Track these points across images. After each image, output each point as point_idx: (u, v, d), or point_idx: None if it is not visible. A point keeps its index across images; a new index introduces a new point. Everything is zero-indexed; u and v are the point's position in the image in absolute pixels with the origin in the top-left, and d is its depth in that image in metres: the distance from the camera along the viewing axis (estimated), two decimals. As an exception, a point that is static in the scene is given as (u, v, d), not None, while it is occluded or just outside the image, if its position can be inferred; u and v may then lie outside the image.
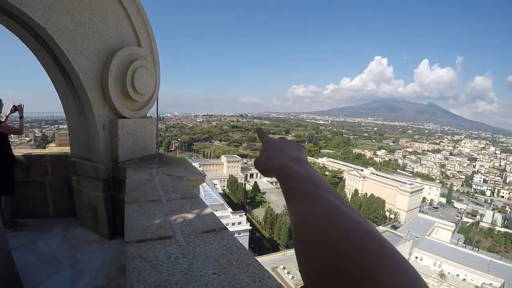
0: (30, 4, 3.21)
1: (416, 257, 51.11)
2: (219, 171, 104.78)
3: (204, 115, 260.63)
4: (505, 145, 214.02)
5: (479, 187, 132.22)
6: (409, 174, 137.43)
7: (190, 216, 2.44)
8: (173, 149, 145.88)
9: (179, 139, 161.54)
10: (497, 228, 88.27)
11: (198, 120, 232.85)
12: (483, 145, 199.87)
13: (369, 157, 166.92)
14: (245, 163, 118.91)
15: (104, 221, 4.59)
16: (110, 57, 4.18)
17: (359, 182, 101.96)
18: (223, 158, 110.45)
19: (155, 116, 5.61)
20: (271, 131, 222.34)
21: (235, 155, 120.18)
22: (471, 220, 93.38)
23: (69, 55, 3.68)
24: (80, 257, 4.14)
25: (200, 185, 4.35)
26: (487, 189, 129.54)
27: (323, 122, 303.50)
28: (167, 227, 2.17)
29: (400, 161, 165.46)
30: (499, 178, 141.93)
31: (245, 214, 58.07)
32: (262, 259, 41.59)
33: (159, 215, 2.41)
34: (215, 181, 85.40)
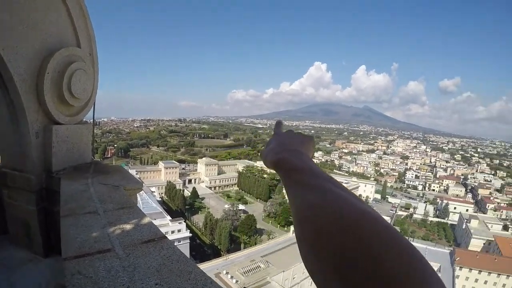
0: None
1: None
2: (157, 178, 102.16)
3: (141, 119, 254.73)
4: (435, 143, 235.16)
5: (411, 182, 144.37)
6: (345, 174, 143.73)
7: (128, 226, 2.35)
8: (109, 156, 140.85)
9: (115, 145, 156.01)
10: (430, 219, 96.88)
11: (135, 125, 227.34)
12: (415, 144, 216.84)
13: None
14: (183, 168, 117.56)
15: (38, 237, 4.22)
16: (47, 57, 3.86)
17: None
18: (161, 164, 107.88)
19: (91, 121, 5.31)
20: (209, 135, 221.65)
21: (173, 161, 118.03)
22: (405, 213, 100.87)
23: (5, 54, 3.34)
24: (14, 280, 3.78)
25: (137, 194, 4.19)
26: (419, 184, 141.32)
27: (262, 126, 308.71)
28: (105, 240, 2.06)
29: (336, 162, 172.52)
30: (430, 173, 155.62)
31: (185, 221, 57.11)
32: (204, 266, 41.11)
33: (96, 228, 2.28)
34: (153, 188, 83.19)
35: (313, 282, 0.43)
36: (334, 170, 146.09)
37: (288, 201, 0.67)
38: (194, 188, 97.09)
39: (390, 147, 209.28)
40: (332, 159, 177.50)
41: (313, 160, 0.83)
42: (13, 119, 3.94)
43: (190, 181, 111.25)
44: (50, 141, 4.08)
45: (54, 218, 4.07)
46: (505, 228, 79.14)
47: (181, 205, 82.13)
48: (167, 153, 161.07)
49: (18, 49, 3.51)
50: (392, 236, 0.43)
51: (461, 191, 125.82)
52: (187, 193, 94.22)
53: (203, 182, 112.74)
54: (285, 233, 67.63)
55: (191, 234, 55.88)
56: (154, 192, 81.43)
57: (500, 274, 50.67)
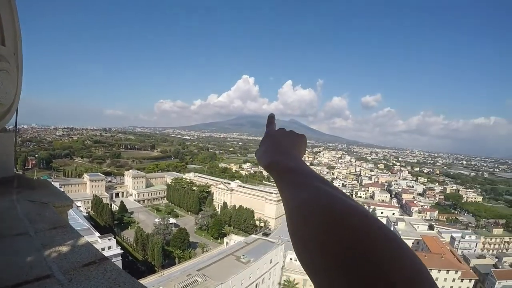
0: None
1: (291, 259, 53.83)
2: (82, 191, 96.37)
3: (64, 128, 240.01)
4: (359, 154, 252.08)
5: None
6: (274, 185, 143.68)
7: (65, 248, 2.17)
8: (30, 167, 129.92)
9: (36, 155, 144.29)
10: None
11: (58, 134, 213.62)
12: (340, 155, 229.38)
13: (235, 170, 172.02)
14: (109, 181, 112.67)
15: None
16: (-35, 53, 3.51)
17: (227, 195, 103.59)
18: (86, 177, 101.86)
19: (12, 128, 4.91)
20: (136, 146, 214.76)
21: (99, 173, 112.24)
22: None
23: None
24: None
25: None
26: (346, 192, 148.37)
27: (189, 138, 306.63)
28: (42, 265, 1.86)
29: (265, 173, 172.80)
30: (356, 182, 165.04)
31: (114, 237, 54.73)
32: (138, 283, 39.13)
33: (30, 251, 2.07)
34: (79, 203, 78.56)
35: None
36: (264, 182, 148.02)
37: (282, 201, 0.69)
38: (122, 202, 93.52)
39: (317, 158, 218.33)
40: (261, 170, 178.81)
41: (304, 160, 0.90)
42: None
43: (117, 194, 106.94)
44: (-33, 150, 3.73)
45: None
46: (431, 227, 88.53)
47: (109, 220, 78.54)
48: (92, 165, 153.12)
49: None
50: (380, 226, 0.46)
51: (386, 196, 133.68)
52: (115, 207, 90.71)
53: (131, 195, 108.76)
54: (219, 245, 67.22)
55: (122, 251, 53.57)
56: (80, 207, 77.57)
57: (431, 269, 54.71)
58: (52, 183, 5.32)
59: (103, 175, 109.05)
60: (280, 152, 0.90)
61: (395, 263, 0.41)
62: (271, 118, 1.21)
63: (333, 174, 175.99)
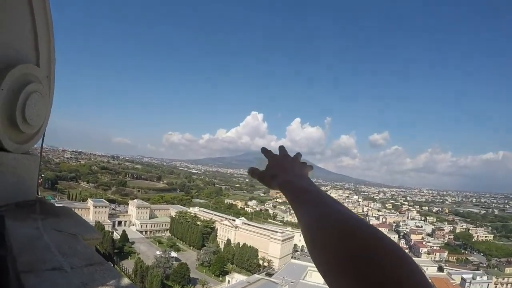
0: None
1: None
2: (85, 216, 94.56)
3: (73, 151, 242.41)
4: (367, 193, 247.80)
5: None
6: (280, 223, 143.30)
7: None
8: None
9: (42, 175, 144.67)
10: None
11: (65, 156, 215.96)
12: (347, 195, 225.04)
13: (241, 207, 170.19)
14: (113, 209, 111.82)
15: None
16: (3, 71, 3.19)
17: (231, 232, 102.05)
18: (90, 202, 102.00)
19: (38, 152, 4.55)
20: (142, 176, 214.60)
21: (103, 200, 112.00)
22: None
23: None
24: None
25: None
26: None
27: (196, 171, 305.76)
28: None
29: (270, 211, 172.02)
30: None
31: (114, 266, 53.07)
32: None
33: None
34: (79, 228, 77.59)
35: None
36: (269, 220, 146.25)
37: (297, 220, 0.77)
38: (124, 231, 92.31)
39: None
40: (267, 208, 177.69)
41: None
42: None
43: (120, 223, 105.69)
44: (-6, 170, 3.31)
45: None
46: (440, 269, 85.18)
47: (109, 248, 77.25)
48: (97, 191, 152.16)
49: (-25, 52, 2.86)
50: (383, 237, 0.54)
51: (394, 237, 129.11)
52: (116, 235, 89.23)
53: (133, 225, 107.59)
54: (220, 284, 65.45)
55: (119, 282, 51.89)
56: (80, 232, 75.98)
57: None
58: (55, 204, 4.89)
59: (107, 202, 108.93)
60: (293, 174, 1.01)
61: (400, 268, 0.48)
62: (264, 150, 1.33)
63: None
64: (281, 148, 1.30)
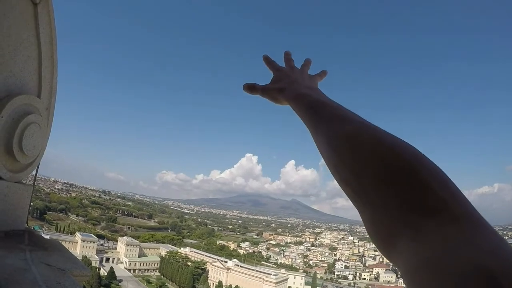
0: None
1: None
2: (72, 250, 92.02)
3: (64, 182, 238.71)
4: (362, 234, 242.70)
5: (341, 272, 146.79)
6: (273, 266, 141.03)
7: None
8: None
9: (31, 203, 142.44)
10: None
11: (57, 187, 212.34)
12: (342, 236, 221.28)
13: (233, 248, 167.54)
14: (101, 244, 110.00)
15: None
16: (5, 99, 3.19)
17: (223, 273, 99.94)
18: (78, 236, 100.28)
19: (31, 182, 4.50)
20: (133, 213, 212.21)
21: (92, 235, 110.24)
22: None
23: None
24: None
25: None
26: (349, 274, 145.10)
27: (188, 211, 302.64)
28: None
29: (264, 253, 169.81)
30: (359, 263, 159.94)
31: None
32: None
33: None
34: (65, 263, 75.98)
35: None
36: (262, 262, 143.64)
37: (315, 138, 0.73)
38: (111, 267, 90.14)
39: (318, 239, 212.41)
40: (260, 250, 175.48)
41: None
42: None
43: (108, 259, 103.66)
44: (-15, 196, 3.24)
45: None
46: None
47: (95, 285, 75.35)
48: (86, 225, 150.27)
49: (-22, 77, 2.86)
50: (425, 160, 0.52)
51: (392, 277, 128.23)
52: (103, 272, 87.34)
53: (122, 262, 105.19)
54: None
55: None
56: (66, 267, 74.34)
57: None
58: (42, 234, 4.81)
59: (95, 237, 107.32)
60: (305, 87, 0.91)
61: (442, 183, 0.47)
62: (267, 58, 1.14)
63: (335, 255, 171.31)
64: (287, 58, 1.12)
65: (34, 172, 4.22)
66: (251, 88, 1.04)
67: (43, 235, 4.61)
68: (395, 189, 0.48)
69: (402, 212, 0.45)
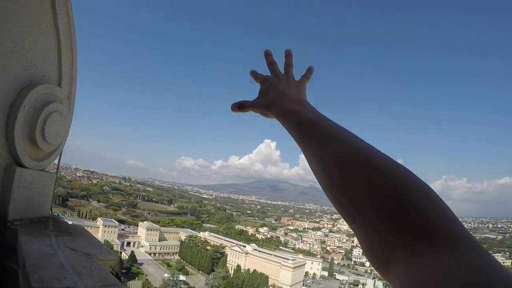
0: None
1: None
2: (94, 235, 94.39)
3: (85, 170, 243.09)
4: None
5: (358, 259, 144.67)
6: (291, 251, 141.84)
7: None
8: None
9: (54, 191, 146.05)
10: None
11: (78, 174, 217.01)
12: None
13: (252, 233, 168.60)
14: (122, 229, 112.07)
15: None
16: (26, 89, 3.27)
17: (241, 257, 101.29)
18: (100, 221, 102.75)
19: (54, 170, 4.62)
20: (153, 199, 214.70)
21: (113, 220, 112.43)
22: None
23: (-17, 68, 2.77)
24: None
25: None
26: (366, 261, 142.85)
27: (207, 196, 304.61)
28: None
29: (282, 238, 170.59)
30: None
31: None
32: None
33: None
34: (88, 247, 78.02)
35: None
36: (280, 247, 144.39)
37: (304, 155, 0.71)
38: (132, 251, 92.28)
39: (336, 225, 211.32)
40: (278, 235, 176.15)
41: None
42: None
43: (128, 243, 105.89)
44: (11, 184, 3.32)
45: (2, 274, 3.23)
46: None
47: (117, 268, 76.53)
48: (107, 210, 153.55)
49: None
50: (416, 179, 0.52)
51: None
52: (124, 256, 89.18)
53: (142, 246, 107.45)
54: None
55: (126, 303, 51.59)
56: (88, 251, 76.40)
57: None
58: (65, 220, 4.94)
59: (117, 222, 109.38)
60: (293, 101, 0.87)
61: (435, 211, 0.46)
62: (253, 72, 1.11)
63: (352, 241, 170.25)
64: (269, 60, 1.08)
65: (57, 160, 4.37)
66: (240, 106, 1.02)
67: (66, 221, 4.76)
68: (388, 212, 0.48)
69: (395, 235, 0.46)
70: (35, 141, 3.48)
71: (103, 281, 2.22)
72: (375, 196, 0.50)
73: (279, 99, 0.89)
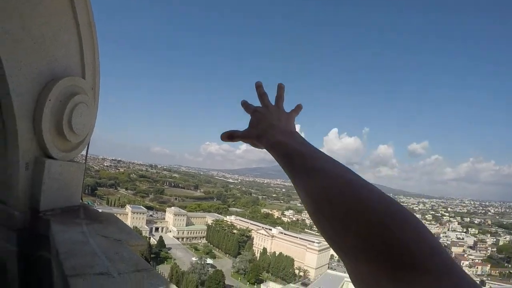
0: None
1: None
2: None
3: (112, 159, 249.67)
4: (406, 204, 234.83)
5: None
6: (317, 233, 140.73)
7: None
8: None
9: (83, 181, 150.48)
10: None
11: (105, 164, 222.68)
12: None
13: (277, 217, 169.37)
14: (150, 215, 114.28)
15: (15, 284, 3.43)
16: (50, 83, 3.34)
17: (267, 241, 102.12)
18: (128, 208, 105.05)
19: (83, 160, 4.74)
20: (180, 185, 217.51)
21: (141, 206, 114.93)
22: None
23: (7, 66, 2.83)
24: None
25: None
26: None
27: (233, 181, 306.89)
28: None
29: (307, 221, 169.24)
30: None
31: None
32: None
33: None
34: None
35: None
36: (306, 229, 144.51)
37: (295, 186, 0.71)
38: (161, 236, 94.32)
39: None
40: (303, 218, 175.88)
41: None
42: (0, 141, 3.34)
43: (157, 229, 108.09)
44: (41, 176, 3.44)
45: (36, 264, 3.36)
46: (483, 283, 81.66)
47: (146, 253, 78.72)
48: (135, 198, 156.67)
49: (23, 65, 3.00)
50: (399, 209, 0.52)
51: None
52: (153, 241, 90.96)
53: (170, 231, 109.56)
54: (255, 291, 65.26)
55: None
56: (119, 237, 78.58)
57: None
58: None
59: (145, 209, 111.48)
60: (283, 132, 0.88)
61: (416, 241, 0.46)
62: (245, 103, 1.14)
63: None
64: (260, 92, 1.11)
65: (85, 151, 4.49)
66: (230, 136, 1.04)
67: (96, 209, 4.90)
68: (371, 243, 0.48)
69: (379, 265, 0.46)
70: (63, 132, 3.56)
71: (135, 266, 2.28)
72: (359, 227, 0.51)
73: (268, 130, 0.90)
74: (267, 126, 0.92)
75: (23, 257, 3.44)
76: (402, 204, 0.54)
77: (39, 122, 3.28)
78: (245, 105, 1.11)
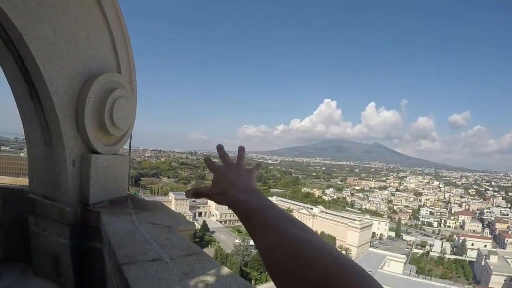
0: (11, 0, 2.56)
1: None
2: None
3: (152, 150, 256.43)
4: (448, 178, 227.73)
5: (426, 219, 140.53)
6: (358, 211, 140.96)
7: (209, 279, 1.90)
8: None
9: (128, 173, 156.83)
10: (447, 256, 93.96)
11: (146, 155, 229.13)
12: (427, 180, 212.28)
13: (318, 195, 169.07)
14: (193, 201, 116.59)
15: (69, 273, 3.65)
16: (88, 81, 3.48)
17: (309, 220, 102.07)
18: (171, 195, 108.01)
19: (127, 153, 4.93)
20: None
21: (184, 193, 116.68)
22: (421, 251, 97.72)
23: (44, 71, 2.96)
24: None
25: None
26: (434, 221, 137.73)
27: (272, 162, 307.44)
28: None
29: (348, 199, 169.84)
30: (445, 209, 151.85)
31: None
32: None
33: (172, 281, 1.83)
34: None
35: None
36: (347, 208, 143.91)
37: (253, 241, 0.74)
38: (204, 221, 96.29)
39: (403, 183, 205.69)
40: (344, 196, 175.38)
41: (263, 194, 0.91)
42: (47, 142, 3.53)
43: (200, 214, 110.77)
44: (88, 171, 3.64)
45: (88, 255, 3.62)
46: None
47: (190, 238, 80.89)
48: (177, 185, 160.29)
49: (59, 67, 3.18)
50: (351, 268, 0.53)
51: (477, 226, 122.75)
52: (197, 225, 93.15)
53: (213, 215, 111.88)
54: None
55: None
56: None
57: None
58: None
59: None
60: (244, 190, 0.91)
61: None
62: (207, 160, 1.21)
63: (420, 201, 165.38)
64: (221, 153, 1.18)
65: (127, 144, 4.66)
66: (195, 194, 1.08)
67: (143, 198, 5.11)
68: None
69: None
70: (106, 127, 3.72)
71: (186, 250, 2.44)
72: (302, 285, 0.53)
73: (229, 188, 0.94)
74: (228, 184, 0.96)
75: (76, 248, 3.66)
76: (347, 257, 0.55)
77: (81, 120, 3.44)
78: (208, 164, 1.16)
